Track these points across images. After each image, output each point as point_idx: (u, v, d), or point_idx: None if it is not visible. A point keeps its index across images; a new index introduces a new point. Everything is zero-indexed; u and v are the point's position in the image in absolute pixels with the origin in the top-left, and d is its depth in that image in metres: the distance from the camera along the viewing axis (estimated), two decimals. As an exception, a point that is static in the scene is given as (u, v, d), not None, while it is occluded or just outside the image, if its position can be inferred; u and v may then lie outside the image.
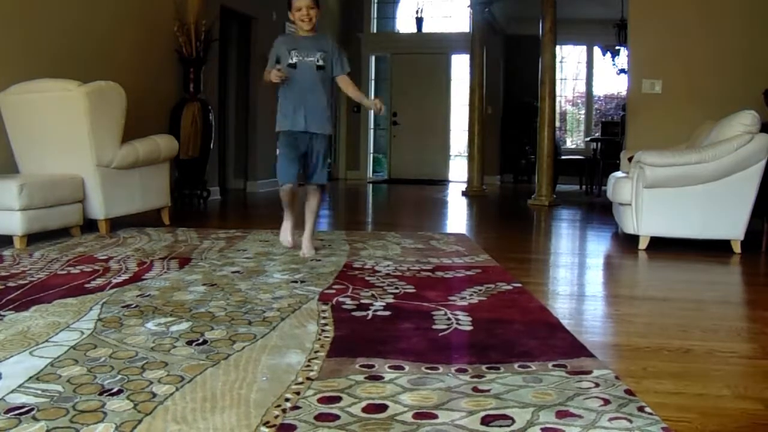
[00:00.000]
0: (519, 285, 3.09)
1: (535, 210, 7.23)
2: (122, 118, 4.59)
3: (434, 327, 2.37)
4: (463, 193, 9.05)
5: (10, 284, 2.92)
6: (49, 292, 2.78)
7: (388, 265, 3.53)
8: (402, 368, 1.90)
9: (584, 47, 12.04)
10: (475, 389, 1.74)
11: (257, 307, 2.59)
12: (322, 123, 3.65)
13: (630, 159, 4.90)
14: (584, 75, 12.29)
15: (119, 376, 1.79)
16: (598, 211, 6.95)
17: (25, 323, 2.30)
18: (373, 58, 12.21)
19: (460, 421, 1.54)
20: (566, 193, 9.06)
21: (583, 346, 2.17)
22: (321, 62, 3.61)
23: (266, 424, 1.50)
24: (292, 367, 1.90)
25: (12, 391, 1.67)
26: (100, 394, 1.66)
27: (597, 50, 11.58)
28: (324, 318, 2.45)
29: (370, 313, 2.55)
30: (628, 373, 1.92)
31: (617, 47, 10.05)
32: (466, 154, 9.63)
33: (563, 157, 10.20)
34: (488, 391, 1.74)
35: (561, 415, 1.59)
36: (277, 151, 3.67)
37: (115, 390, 1.68)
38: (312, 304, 2.66)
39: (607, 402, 1.67)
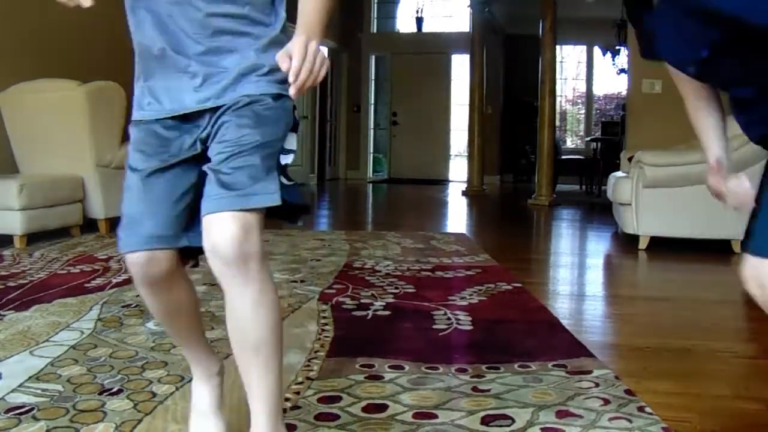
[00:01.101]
0: (519, 285, 3.09)
1: (535, 210, 7.23)
2: (122, 118, 4.59)
3: (434, 327, 2.37)
4: (463, 193, 9.04)
5: (10, 284, 2.92)
6: (49, 291, 2.78)
7: (388, 265, 3.53)
8: (402, 368, 1.90)
9: (584, 47, 12.03)
10: (474, 389, 1.74)
11: (257, 306, 2.59)
12: (232, 80, 1.18)
13: (630, 159, 4.90)
14: (584, 75, 12.29)
15: (119, 376, 1.79)
16: (598, 211, 6.95)
17: (26, 323, 2.30)
18: (373, 58, 12.20)
19: (459, 420, 1.54)
20: (566, 193, 9.06)
21: (583, 346, 2.17)
22: None
23: (266, 423, 1.50)
24: (292, 366, 1.90)
25: (12, 391, 1.67)
26: (100, 393, 1.66)
27: (597, 50, 11.57)
28: (324, 318, 2.45)
29: (370, 312, 2.55)
30: (628, 373, 1.92)
31: (617, 47, 10.05)
32: (466, 154, 9.62)
33: (563, 157, 10.19)
34: (488, 391, 1.74)
35: (561, 414, 1.59)
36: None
37: (115, 390, 1.68)
38: (312, 303, 2.66)
39: (607, 402, 1.67)
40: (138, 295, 2.72)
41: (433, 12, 12.24)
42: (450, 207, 7.92)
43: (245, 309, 1.11)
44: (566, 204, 7.78)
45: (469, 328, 2.37)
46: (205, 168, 1.15)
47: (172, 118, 1.19)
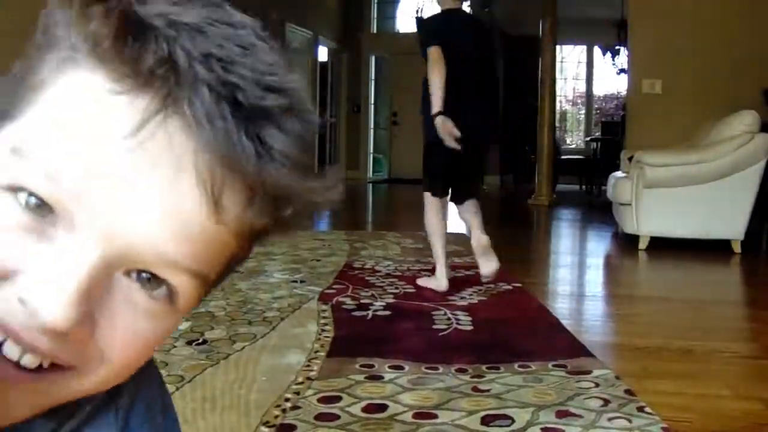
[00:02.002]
0: (519, 285, 3.09)
1: (535, 210, 7.23)
2: (122, 118, 4.59)
3: (434, 327, 2.37)
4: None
5: (10, 284, 2.92)
6: (49, 292, 2.77)
7: (388, 265, 3.53)
8: (402, 368, 1.90)
9: (584, 47, 12.03)
10: (474, 389, 1.74)
11: (257, 307, 2.59)
12: None
13: (630, 159, 4.91)
14: (584, 75, 12.28)
15: (119, 376, 1.78)
16: (598, 211, 6.95)
17: (25, 323, 2.30)
18: (373, 58, 12.20)
19: (460, 421, 1.54)
20: (566, 193, 9.06)
21: (583, 346, 2.17)
22: None
23: (266, 424, 1.50)
24: (292, 367, 1.90)
25: (12, 391, 1.66)
26: (100, 393, 1.66)
27: (597, 50, 11.58)
28: (324, 318, 2.45)
29: (370, 313, 2.55)
30: (628, 373, 1.92)
31: (617, 47, 10.05)
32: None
33: (563, 157, 10.19)
34: (488, 391, 1.74)
35: (561, 414, 1.59)
36: None
37: (115, 390, 1.68)
38: (312, 304, 2.66)
39: (607, 402, 1.67)
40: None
41: (433, 12, 12.24)
42: (450, 207, 7.92)
43: None
44: (566, 204, 7.78)
45: (469, 328, 2.37)
46: None
47: None
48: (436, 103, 2.88)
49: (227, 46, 0.36)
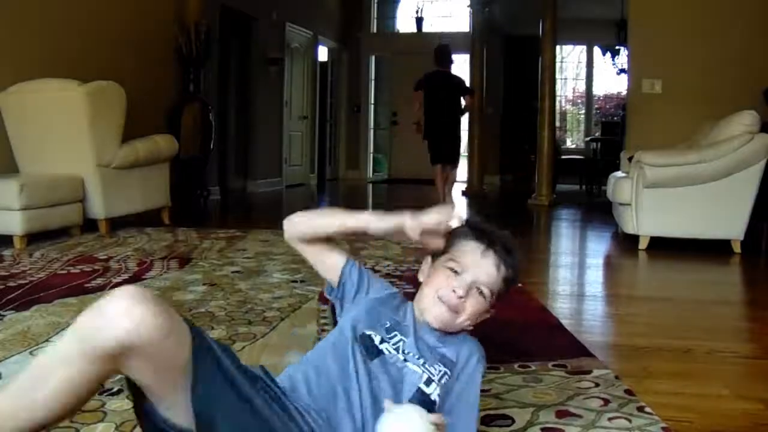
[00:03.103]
0: (519, 285, 3.09)
1: (535, 210, 7.23)
2: (122, 118, 4.59)
3: (434, 327, 2.36)
4: (463, 193, 9.04)
5: (11, 284, 2.92)
6: (50, 291, 2.78)
7: (388, 265, 3.53)
8: (402, 368, 1.90)
9: (584, 47, 12.04)
10: (475, 389, 1.74)
11: (257, 307, 2.59)
12: None
13: (630, 159, 4.90)
14: (584, 75, 12.29)
15: (119, 376, 1.78)
16: (598, 211, 6.95)
17: (26, 323, 2.30)
18: (373, 58, 12.21)
19: (460, 420, 1.54)
20: (566, 193, 9.06)
21: (583, 346, 2.17)
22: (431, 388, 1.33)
23: (266, 423, 1.49)
24: (292, 366, 1.89)
25: (12, 391, 1.66)
26: (100, 393, 1.66)
27: (597, 50, 11.58)
28: (324, 318, 2.45)
29: (370, 313, 2.55)
30: (628, 373, 1.92)
31: (617, 47, 10.06)
32: (466, 154, 9.62)
33: (563, 157, 10.19)
34: (488, 391, 1.74)
35: (561, 414, 1.59)
36: None
37: (115, 390, 1.68)
38: (312, 303, 2.66)
39: (606, 402, 1.68)
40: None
41: (432, 12, 12.24)
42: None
43: None
44: (566, 204, 7.79)
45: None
46: None
47: None
48: (416, 117, 6.94)
49: (498, 234, 1.38)
